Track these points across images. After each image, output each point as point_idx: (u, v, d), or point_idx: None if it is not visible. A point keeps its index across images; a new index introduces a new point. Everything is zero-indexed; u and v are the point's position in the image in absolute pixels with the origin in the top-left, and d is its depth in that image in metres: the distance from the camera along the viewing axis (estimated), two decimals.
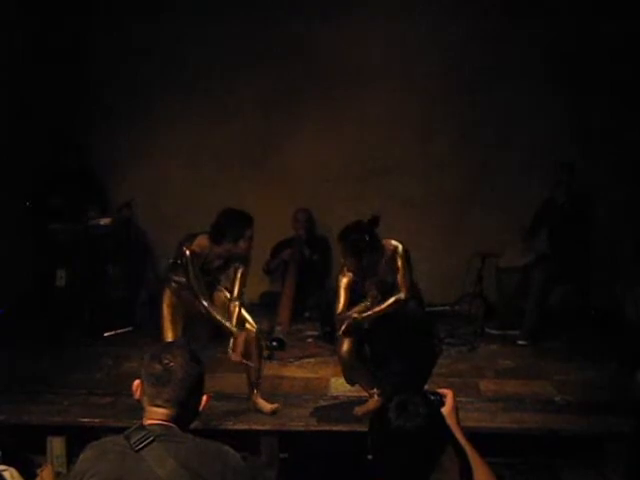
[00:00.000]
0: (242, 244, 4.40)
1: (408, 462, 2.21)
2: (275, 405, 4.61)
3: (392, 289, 4.42)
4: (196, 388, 2.38)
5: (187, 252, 4.35)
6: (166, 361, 2.34)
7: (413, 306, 4.50)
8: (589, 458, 4.37)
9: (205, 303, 4.39)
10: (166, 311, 4.56)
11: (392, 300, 4.38)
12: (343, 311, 4.42)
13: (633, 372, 4.69)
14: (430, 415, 2.23)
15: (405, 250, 4.44)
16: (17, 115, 6.50)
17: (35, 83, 6.56)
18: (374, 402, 4.53)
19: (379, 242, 4.41)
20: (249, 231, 4.40)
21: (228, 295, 4.55)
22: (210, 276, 4.54)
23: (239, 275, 4.53)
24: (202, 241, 4.41)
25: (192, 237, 4.44)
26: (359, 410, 4.56)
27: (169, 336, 4.49)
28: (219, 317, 4.41)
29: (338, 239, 4.40)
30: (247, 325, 4.54)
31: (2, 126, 6.41)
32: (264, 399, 4.64)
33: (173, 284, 4.54)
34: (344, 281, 4.44)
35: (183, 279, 4.44)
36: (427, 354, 4.51)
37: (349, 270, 4.40)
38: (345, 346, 4.43)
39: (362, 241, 4.29)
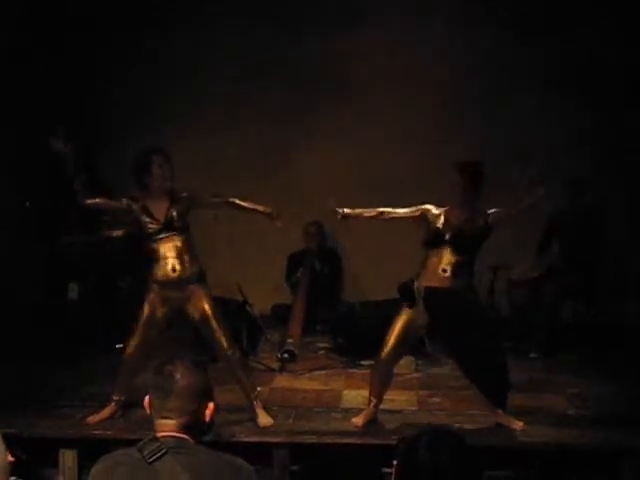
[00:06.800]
0: (155, 170, 4.48)
1: None
2: (269, 420, 4.58)
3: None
4: (200, 395, 2.38)
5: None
6: (167, 372, 2.37)
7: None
8: (604, 473, 4.32)
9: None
10: (146, 310, 4.63)
11: None
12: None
13: None
14: (460, 450, 2.16)
15: None
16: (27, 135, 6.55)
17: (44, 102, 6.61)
18: (370, 411, 4.56)
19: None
20: (156, 157, 4.48)
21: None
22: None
23: (231, 200, 4.75)
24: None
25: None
26: (357, 420, 4.56)
27: (137, 337, 4.60)
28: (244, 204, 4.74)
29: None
30: (225, 343, 4.53)
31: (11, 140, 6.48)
32: (266, 409, 4.65)
33: (154, 286, 4.63)
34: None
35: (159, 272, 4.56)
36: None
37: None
38: (386, 349, 4.51)
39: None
